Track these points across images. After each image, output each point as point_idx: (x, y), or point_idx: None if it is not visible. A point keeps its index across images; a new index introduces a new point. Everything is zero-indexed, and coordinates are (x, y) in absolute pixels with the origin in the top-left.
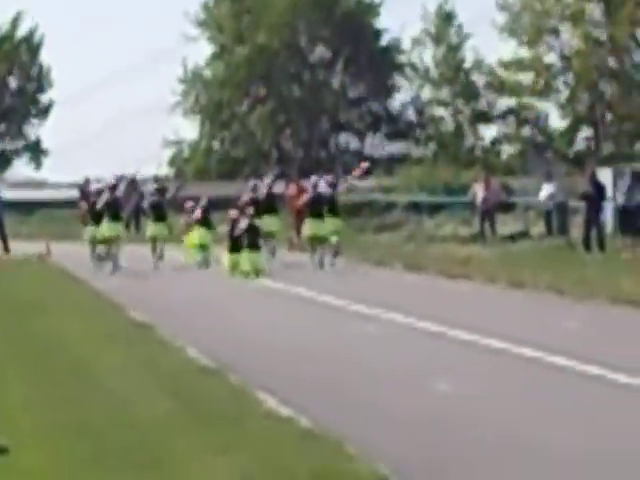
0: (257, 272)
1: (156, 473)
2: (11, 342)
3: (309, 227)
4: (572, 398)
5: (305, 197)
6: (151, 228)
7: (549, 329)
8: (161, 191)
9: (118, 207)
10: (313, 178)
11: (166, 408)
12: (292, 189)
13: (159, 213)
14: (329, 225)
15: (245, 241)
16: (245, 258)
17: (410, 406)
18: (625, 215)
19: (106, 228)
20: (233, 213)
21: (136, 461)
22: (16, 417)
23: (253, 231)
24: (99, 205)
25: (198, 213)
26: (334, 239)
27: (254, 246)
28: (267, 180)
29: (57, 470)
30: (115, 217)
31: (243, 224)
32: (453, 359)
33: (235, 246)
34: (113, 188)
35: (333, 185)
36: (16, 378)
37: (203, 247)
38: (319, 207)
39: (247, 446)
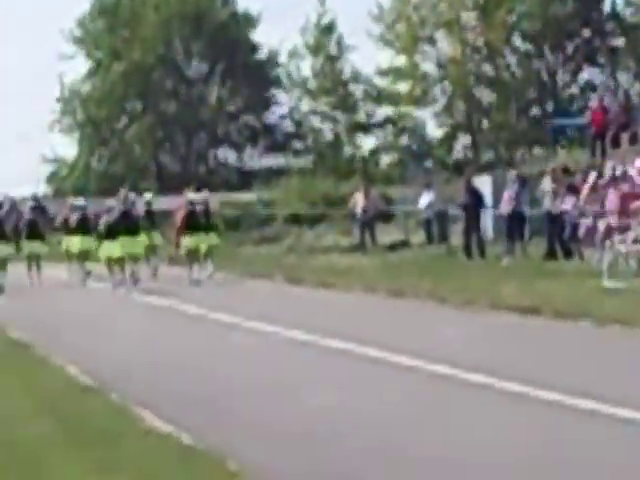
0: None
1: None
2: None
3: (187, 241)
4: (449, 404)
5: (181, 212)
6: (27, 246)
7: (428, 336)
8: (38, 209)
9: (2, 226)
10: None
11: (45, 428)
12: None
13: (34, 231)
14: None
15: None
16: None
17: (288, 419)
18: (513, 221)
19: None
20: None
21: None
22: None
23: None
24: None
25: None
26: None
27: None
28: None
29: None
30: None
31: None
32: (329, 369)
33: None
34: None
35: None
36: None
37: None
38: (196, 222)
39: (127, 464)
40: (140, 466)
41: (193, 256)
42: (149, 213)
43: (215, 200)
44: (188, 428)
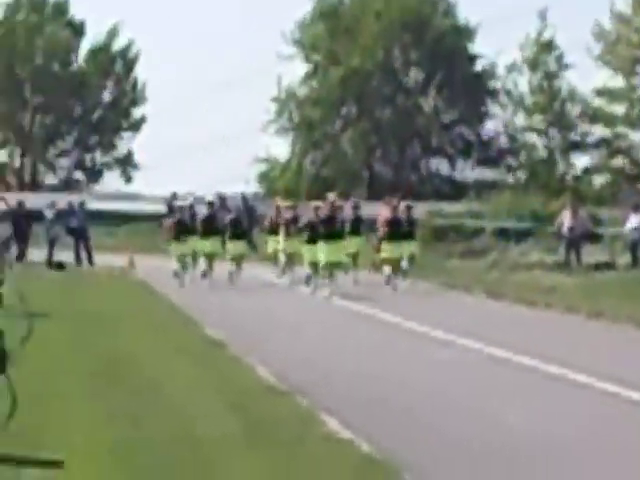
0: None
1: None
2: (81, 356)
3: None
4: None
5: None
6: (230, 246)
7: (622, 360)
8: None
9: (214, 223)
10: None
11: (231, 428)
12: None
13: (238, 231)
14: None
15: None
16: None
17: (475, 434)
18: None
19: (203, 244)
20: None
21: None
22: (77, 432)
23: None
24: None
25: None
26: (405, 263)
27: None
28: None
29: None
30: (210, 233)
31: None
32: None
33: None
34: (211, 204)
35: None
36: (82, 393)
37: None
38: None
39: (305, 469)
40: (318, 471)
41: (391, 264)
42: (357, 219)
43: (421, 210)
44: (370, 437)
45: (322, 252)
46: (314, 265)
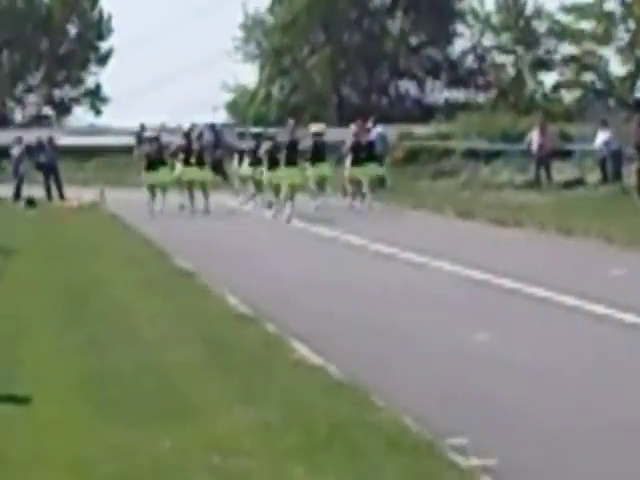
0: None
1: (178, 421)
2: (49, 287)
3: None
4: (610, 346)
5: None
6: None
7: (592, 276)
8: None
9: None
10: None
11: (198, 355)
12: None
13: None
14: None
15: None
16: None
17: (447, 354)
18: None
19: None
20: None
21: (159, 409)
22: (42, 364)
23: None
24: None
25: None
26: (365, 186)
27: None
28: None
29: (75, 420)
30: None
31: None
32: (485, 303)
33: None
34: (187, 134)
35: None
36: (48, 324)
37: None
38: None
39: (274, 396)
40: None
41: (355, 186)
42: (317, 144)
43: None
44: (340, 362)
45: (282, 176)
46: (275, 189)
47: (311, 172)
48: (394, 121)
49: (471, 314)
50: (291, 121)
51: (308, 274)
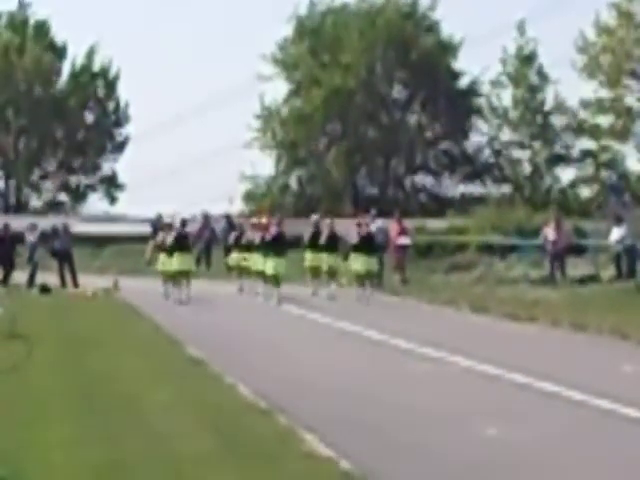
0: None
1: None
2: (62, 376)
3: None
4: (614, 442)
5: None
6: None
7: (604, 372)
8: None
9: (187, 241)
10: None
11: (208, 445)
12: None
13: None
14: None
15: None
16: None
17: (458, 450)
18: None
19: (177, 262)
20: None
21: None
22: (52, 453)
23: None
24: (169, 240)
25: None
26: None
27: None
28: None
29: None
30: (184, 251)
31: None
32: (498, 399)
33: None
34: (183, 224)
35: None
36: (60, 413)
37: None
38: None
39: None
40: None
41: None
42: (332, 235)
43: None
44: (349, 454)
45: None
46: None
47: (325, 260)
48: (410, 215)
49: (482, 408)
50: (315, 216)
51: (328, 368)
